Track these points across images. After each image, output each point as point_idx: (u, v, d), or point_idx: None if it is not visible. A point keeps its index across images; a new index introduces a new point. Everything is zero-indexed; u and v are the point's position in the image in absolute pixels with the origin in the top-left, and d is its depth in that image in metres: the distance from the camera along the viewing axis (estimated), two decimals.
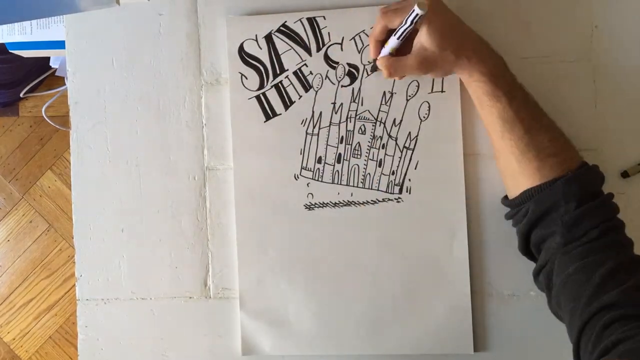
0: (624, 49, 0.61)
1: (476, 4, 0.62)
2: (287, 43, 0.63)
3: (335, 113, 0.63)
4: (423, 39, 0.53)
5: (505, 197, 0.59)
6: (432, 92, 0.61)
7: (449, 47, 0.53)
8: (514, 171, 0.55)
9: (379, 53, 0.58)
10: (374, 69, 0.60)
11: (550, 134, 0.54)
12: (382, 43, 0.57)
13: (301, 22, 0.63)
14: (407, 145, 0.62)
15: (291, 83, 0.63)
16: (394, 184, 0.62)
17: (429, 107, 0.61)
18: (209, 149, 0.65)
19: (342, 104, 0.62)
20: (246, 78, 0.64)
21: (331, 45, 0.63)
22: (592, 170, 0.54)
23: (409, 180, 0.62)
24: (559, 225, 0.52)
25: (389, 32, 0.56)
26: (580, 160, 0.54)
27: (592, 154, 0.60)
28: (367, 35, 0.62)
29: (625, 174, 0.60)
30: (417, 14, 0.50)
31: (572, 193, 0.51)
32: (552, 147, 0.53)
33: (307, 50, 0.63)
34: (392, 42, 0.55)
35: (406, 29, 0.53)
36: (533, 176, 0.54)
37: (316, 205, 0.63)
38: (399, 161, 0.62)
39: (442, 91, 0.61)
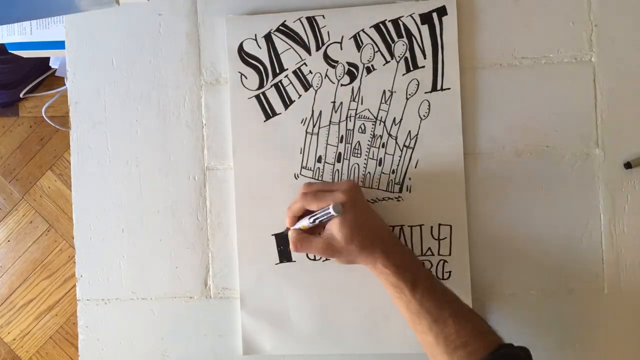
0: (623, 47, 0.61)
1: (476, 4, 0.62)
2: (286, 42, 0.63)
3: (335, 112, 0.63)
4: (334, 229, 0.54)
5: None
6: (432, 90, 0.61)
7: (355, 241, 0.54)
8: None
9: (293, 224, 0.59)
10: (287, 233, 0.61)
11: (457, 324, 0.52)
12: (299, 218, 0.58)
13: (300, 21, 0.63)
14: (407, 144, 0.62)
15: (291, 82, 0.63)
16: (394, 183, 0.62)
17: (429, 105, 0.61)
18: (209, 149, 0.65)
19: (341, 102, 0.62)
20: (246, 77, 0.64)
21: (330, 44, 0.63)
22: (508, 355, 0.51)
23: (409, 179, 0.62)
24: None
25: (307, 210, 0.57)
26: (494, 345, 0.51)
27: (592, 152, 0.61)
28: (367, 34, 0.62)
29: (628, 165, 0.60)
30: (331, 214, 0.53)
31: None
32: (459, 338, 0.51)
33: (307, 49, 0.63)
34: (305, 222, 0.57)
35: (319, 219, 0.55)
36: None
37: None
38: (399, 160, 0.62)
39: (442, 90, 0.61)
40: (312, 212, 0.56)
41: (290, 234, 0.58)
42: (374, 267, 0.55)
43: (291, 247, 0.57)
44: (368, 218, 0.57)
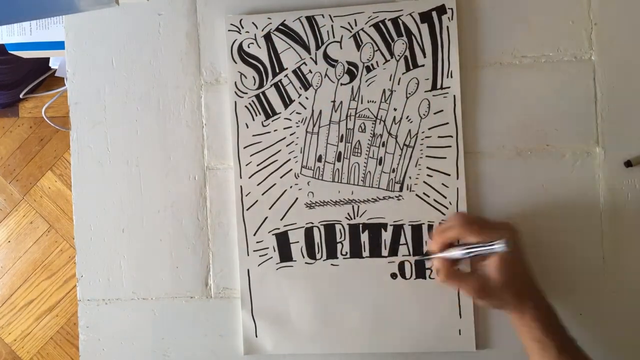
0: (623, 46, 0.61)
1: (476, 2, 0.62)
2: (286, 42, 0.63)
3: (335, 111, 0.63)
4: (491, 270, 0.52)
5: None
6: (431, 89, 0.61)
7: (512, 288, 0.52)
8: None
9: (439, 251, 0.56)
10: (422, 261, 0.59)
11: None
12: (447, 246, 0.56)
13: (300, 20, 0.63)
14: (407, 143, 0.62)
15: (290, 82, 0.63)
16: (395, 182, 0.62)
17: (429, 104, 0.61)
18: (209, 149, 0.65)
19: (341, 102, 0.62)
20: (245, 77, 0.64)
21: (330, 43, 0.63)
22: None
23: (410, 177, 0.62)
24: None
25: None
26: None
27: (592, 150, 0.61)
28: (366, 33, 0.62)
29: (628, 164, 0.60)
30: (497, 249, 0.50)
31: None
32: None
33: (307, 48, 0.63)
34: (459, 254, 0.54)
35: (480, 253, 0.52)
36: None
37: (317, 204, 0.63)
38: (399, 159, 0.62)
39: (442, 88, 0.61)
40: (462, 244, 0.54)
41: (438, 263, 0.55)
42: (521, 318, 0.53)
43: (439, 277, 0.55)
44: (527, 267, 0.55)
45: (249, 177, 0.64)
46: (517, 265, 0.53)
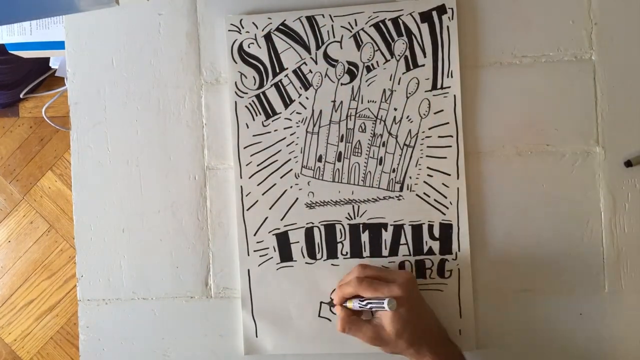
0: (623, 45, 0.61)
1: (476, 2, 0.62)
2: (286, 42, 0.63)
3: (335, 111, 0.63)
4: (384, 320, 0.54)
5: None
6: (432, 89, 0.61)
7: (404, 336, 0.53)
8: None
9: (340, 303, 0.58)
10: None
11: None
12: (347, 298, 0.57)
13: (300, 20, 0.63)
14: (407, 142, 0.62)
15: (291, 82, 0.63)
16: (395, 182, 0.62)
17: (429, 104, 0.61)
18: (209, 149, 0.65)
19: (342, 102, 0.62)
20: (246, 77, 0.64)
21: (330, 43, 0.63)
22: None
23: (410, 177, 0.62)
24: None
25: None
26: None
27: (592, 150, 0.61)
28: (367, 33, 0.62)
29: (628, 163, 0.60)
30: (384, 309, 0.52)
31: None
32: None
33: (307, 48, 0.63)
34: (355, 304, 0.56)
35: (372, 308, 0.54)
36: None
37: (317, 204, 0.63)
38: (400, 159, 0.62)
39: (442, 88, 0.61)
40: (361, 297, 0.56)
41: (339, 313, 0.57)
42: None
43: (338, 326, 0.56)
44: (421, 314, 0.56)
45: (249, 177, 0.64)
46: (409, 315, 0.54)
